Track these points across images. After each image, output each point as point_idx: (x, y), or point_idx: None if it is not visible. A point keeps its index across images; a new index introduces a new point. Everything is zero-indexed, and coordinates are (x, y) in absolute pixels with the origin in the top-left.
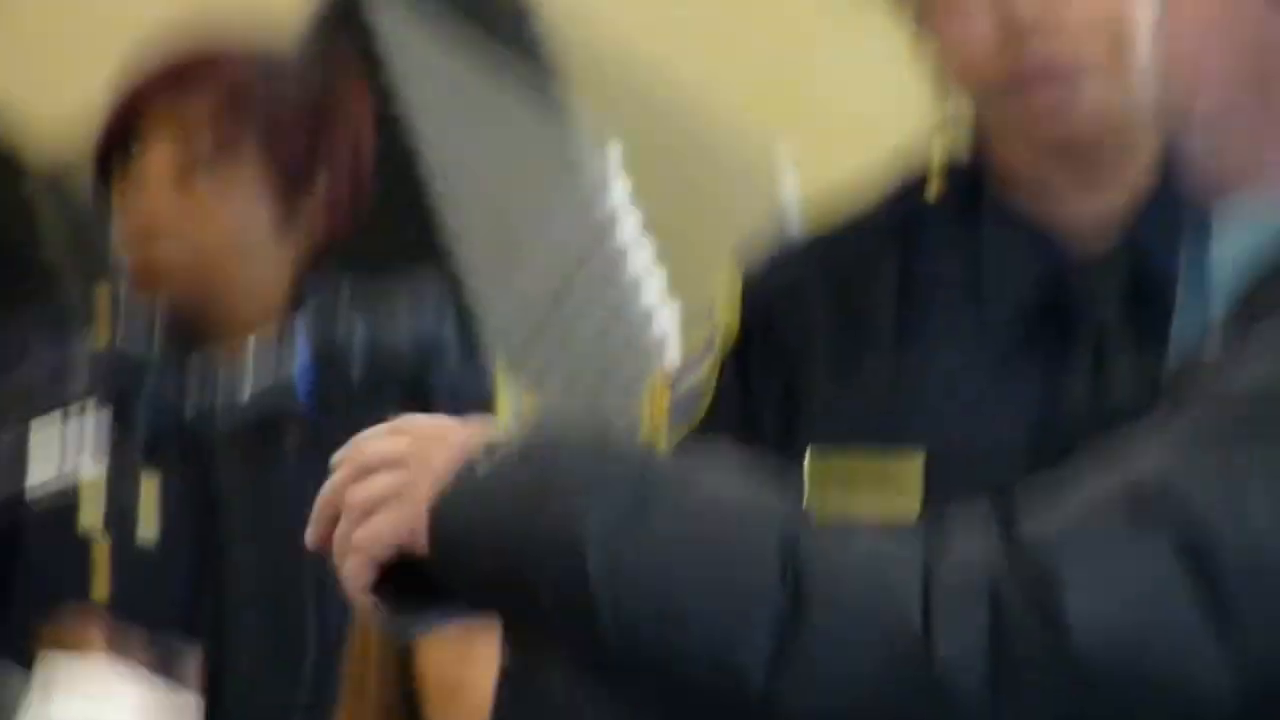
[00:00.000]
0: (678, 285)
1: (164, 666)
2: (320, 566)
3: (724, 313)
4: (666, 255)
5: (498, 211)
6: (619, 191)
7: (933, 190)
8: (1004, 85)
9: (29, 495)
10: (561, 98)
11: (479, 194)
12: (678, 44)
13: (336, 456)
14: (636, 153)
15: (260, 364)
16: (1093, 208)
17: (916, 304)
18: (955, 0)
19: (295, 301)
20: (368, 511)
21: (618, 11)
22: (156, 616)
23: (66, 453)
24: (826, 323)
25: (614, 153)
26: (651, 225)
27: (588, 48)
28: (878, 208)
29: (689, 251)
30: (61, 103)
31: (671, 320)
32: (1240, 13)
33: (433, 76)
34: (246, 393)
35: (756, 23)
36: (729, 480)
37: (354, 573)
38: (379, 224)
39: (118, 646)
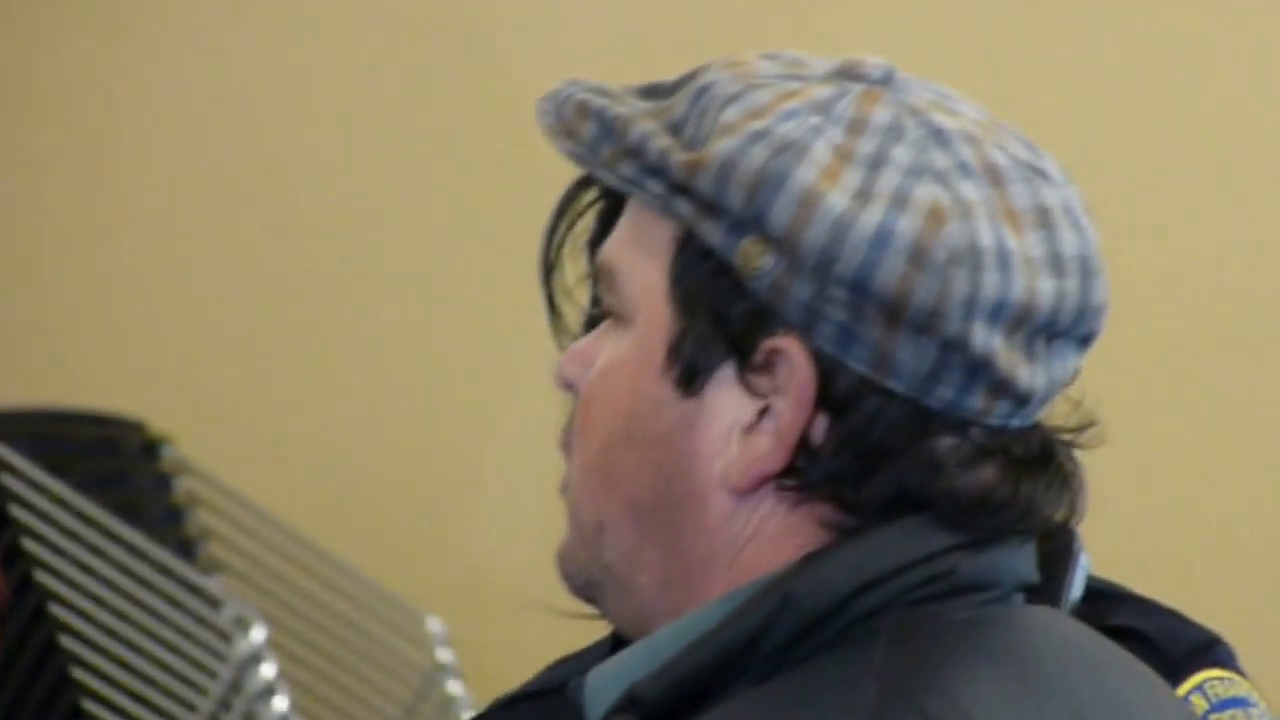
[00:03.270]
0: None
1: None
2: None
3: None
4: None
5: (138, 696)
6: (266, 673)
7: None
8: None
9: None
10: (202, 579)
11: (118, 676)
12: (324, 519)
13: None
14: (283, 634)
15: None
16: None
17: None
18: None
19: None
20: None
21: (257, 482)
22: None
23: None
24: None
25: (258, 634)
26: (300, 709)
27: (228, 525)
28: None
29: None
30: None
31: None
32: (647, 401)
33: (68, 554)
34: None
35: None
36: None
37: None
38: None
39: None
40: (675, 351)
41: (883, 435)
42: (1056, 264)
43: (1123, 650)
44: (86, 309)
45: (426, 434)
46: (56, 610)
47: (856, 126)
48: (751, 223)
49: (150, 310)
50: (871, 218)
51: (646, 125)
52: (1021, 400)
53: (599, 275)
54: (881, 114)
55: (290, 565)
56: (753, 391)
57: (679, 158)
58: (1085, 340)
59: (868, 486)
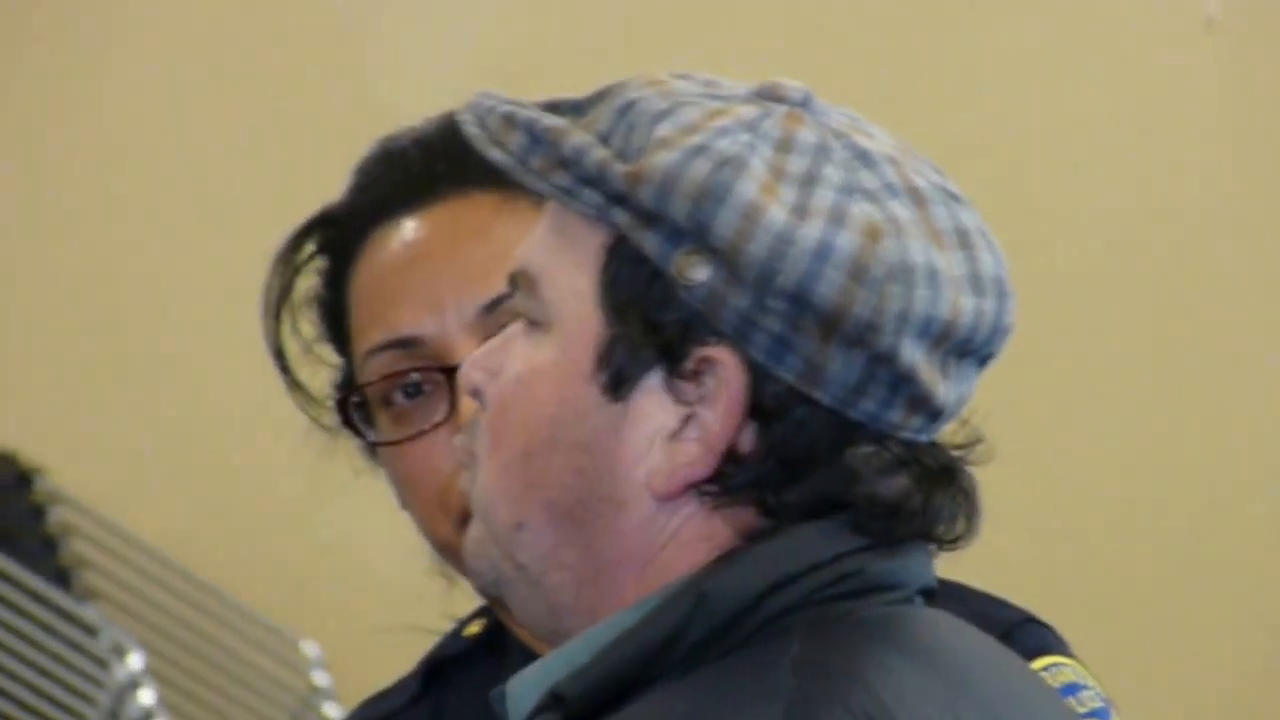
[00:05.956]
0: None
1: None
2: None
3: None
4: None
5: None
6: (144, 699)
7: (472, 628)
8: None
9: None
10: (79, 607)
11: None
12: (200, 545)
13: None
14: (160, 660)
15: None
16: None
17: None
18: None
19: None
20: None
21: (135, 510)
22: None
23: None
24: None
25: (136, 660)
26: None
27: (103, 553)
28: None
29: None
30: None
31: None
32: (572, 407)
33: None
34: None
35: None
36: None
37: None
38: None
39: None
40: (604, 357)
41: (807, 444)
42: (977, 283)
43: (1016, 655)
44: None
45: (302, 459)
46: None
47: (785, 145)
48: (692, 234)
49: (21, 342)
50: (812, 232)
51: (580, 138)
52: (935, 415)
53: (514, 281)
54: (807, 134)
55: (166, 592)
56: (679, 399)
57: (619, 169)
58: (985, 360)
59: (788, 492)
